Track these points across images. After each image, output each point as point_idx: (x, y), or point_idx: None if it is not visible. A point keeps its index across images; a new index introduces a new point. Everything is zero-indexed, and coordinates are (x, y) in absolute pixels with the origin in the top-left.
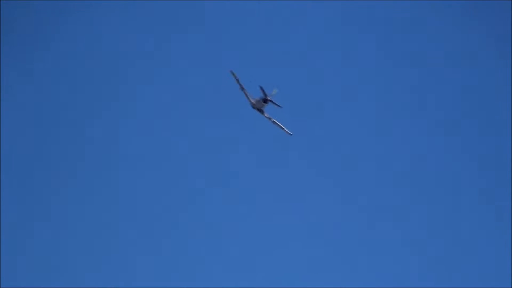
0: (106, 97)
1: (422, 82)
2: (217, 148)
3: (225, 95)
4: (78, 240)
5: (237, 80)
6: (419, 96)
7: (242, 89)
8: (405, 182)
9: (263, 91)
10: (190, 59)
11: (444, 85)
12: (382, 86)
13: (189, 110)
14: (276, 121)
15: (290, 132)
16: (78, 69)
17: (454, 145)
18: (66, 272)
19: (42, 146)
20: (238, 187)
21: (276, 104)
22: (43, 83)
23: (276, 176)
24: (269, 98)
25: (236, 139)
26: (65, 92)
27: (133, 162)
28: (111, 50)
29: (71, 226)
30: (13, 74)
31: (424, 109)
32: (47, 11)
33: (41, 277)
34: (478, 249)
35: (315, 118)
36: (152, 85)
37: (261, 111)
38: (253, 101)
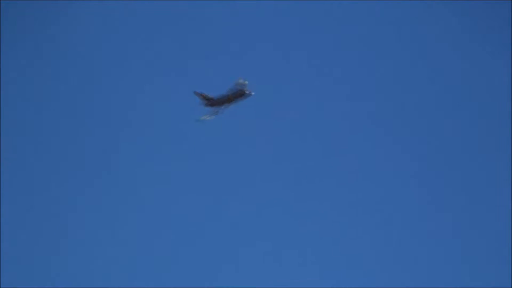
0: (105, 96)
1: (422, 83)
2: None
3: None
4: (78, 240)
5: (204, 97)
6: (417, 98)
7: (213, 102)
8: (403, 183)
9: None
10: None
11: (444, 85)
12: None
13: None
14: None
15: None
16: (78, 69)
17: (453, 147)
18: (66, 272)
19: (42, 146)
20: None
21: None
22: (43, 83)
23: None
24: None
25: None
26: (65, 92)
27: (132, 163)
28: (111, 50)
29: (70, 226)
30: (13, 74)
31: (422, 110)
32: (47, 11)
33: (41, 277)
34: (478, 249)
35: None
36: (152, 86)
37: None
38: (230, 96)
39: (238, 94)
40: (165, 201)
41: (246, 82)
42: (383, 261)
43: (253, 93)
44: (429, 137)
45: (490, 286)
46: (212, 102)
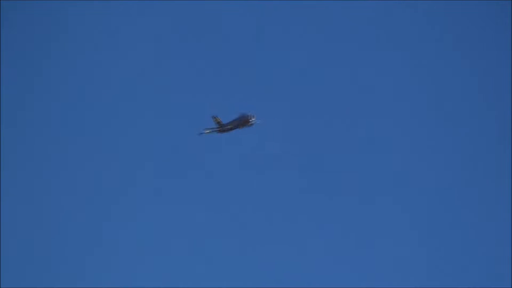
0: (105, 96)
1: (423, 84)
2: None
3: None
4: (77, 240)
5: (219, 122)
6: (418, 98)
7: (225, 129)
8: (403, 183)
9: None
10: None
11: (444, 85)
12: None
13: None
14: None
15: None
16: (78, 69)
17: (453, 145)
18: (66, 272)
19: (42, 146)
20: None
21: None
22: (43, 83)
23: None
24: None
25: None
26: (65, 91)
27: (130, 164)
28: (110, 50)
29: (70, 227)
30: (13, 74)
31: (423, 110)
32: (47, 11)
33: (41, 277)
34: (478, 249)
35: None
36: (150, 86)
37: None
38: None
39: (243, 122)
40: (166, 204)
41: (255, 117)
42: (383, 261)
43: (257, 122)
44: (429, 137)
45: (490, 286)
46: (222, 127)
